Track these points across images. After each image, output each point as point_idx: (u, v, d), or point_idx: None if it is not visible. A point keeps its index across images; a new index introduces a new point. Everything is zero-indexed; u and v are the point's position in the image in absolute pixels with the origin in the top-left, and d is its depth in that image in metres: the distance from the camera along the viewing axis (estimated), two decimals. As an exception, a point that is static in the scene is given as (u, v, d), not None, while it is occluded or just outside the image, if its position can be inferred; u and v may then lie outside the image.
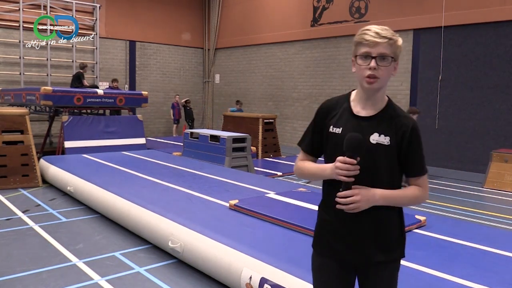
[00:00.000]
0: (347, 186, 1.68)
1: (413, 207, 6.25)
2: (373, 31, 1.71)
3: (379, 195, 1.70)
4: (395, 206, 1.78)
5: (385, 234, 1.77)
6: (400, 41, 1.75)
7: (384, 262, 1.78)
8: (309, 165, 1.86)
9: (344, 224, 1.75)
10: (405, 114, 1.81)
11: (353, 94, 1.85)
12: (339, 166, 1.66)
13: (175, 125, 15.09)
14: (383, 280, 1.81)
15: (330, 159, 1.78)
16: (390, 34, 1.71)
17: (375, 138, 1.73)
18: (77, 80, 11.27)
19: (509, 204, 6.84)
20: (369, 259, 1.76)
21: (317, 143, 1.87)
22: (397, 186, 1.77)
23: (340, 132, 1.76)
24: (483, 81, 9.55)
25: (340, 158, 1.67)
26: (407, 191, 1.77)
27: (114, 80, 13.25)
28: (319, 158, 1.90)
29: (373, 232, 1.75)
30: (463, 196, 7.35)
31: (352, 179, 1.67)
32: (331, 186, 1.78)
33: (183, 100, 15.30)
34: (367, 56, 1.71)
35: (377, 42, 1.69)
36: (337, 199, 1.69)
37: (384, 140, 1.73)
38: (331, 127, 1.79)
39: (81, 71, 11.43)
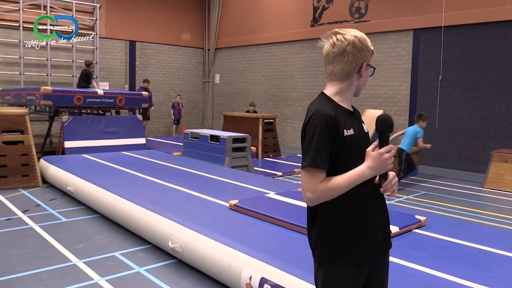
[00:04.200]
0: (385, 175, 1.72)
1: (413, 207, 6.27)
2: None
3: None
4: None
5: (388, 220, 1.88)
6: None
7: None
8: (340, 179, 1.66)
9: (374, 218, 1.76)
10: None
11: (334, 97, 1.83)
12: (388, 156, 1.66)
13: (175, 125, 15.08)
14: (387, 267, 1.87)
15: (345, 164, 1.69)
16: None
17: (364, 127, 1.84)
18: (85, 79, 11.01)
19: (509, 204, 6.84)
20: (386, 246, 1.82)
21: (330, 157, 1.70)
22: None
23: (353, 132, 1.73)
24: (483, 81, 9.55)
25: (382, 150, 1.66)
26: None
27: (145, 81, 13.27)
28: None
29: (387, 218, 1.84)
30: (463, 196, 7.35)
31: None
32: (359, 188, 1.69)
33: None
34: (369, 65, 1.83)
35: None
36: (385, 189, 1.73)
37: (366, 127, 1.87)
38: (345, 130, 1.70)
39: (87, 68, 11.17)
